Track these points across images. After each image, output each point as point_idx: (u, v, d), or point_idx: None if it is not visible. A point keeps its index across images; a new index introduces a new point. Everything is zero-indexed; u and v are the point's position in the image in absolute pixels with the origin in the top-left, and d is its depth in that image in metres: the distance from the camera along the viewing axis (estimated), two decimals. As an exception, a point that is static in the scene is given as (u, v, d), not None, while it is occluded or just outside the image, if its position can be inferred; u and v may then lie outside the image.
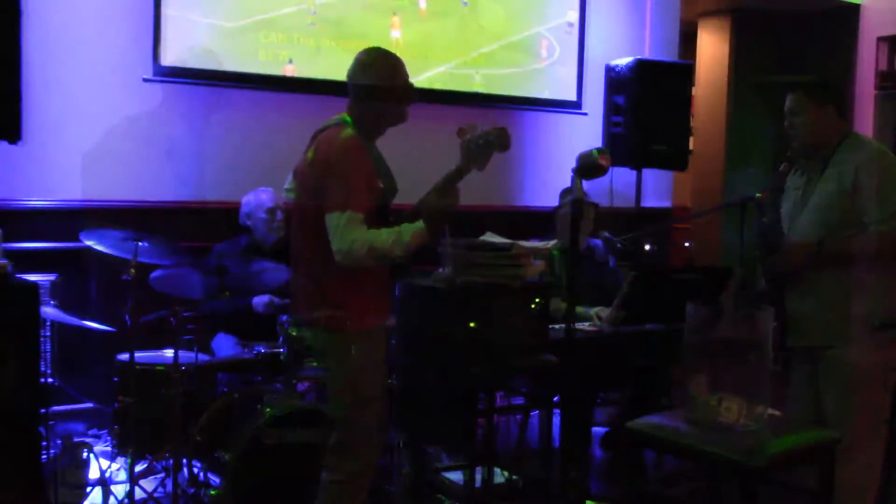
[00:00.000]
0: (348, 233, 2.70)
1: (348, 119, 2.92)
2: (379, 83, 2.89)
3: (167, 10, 4.48)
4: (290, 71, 4.84)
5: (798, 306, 3.23)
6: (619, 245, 4.60)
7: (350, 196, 2.74)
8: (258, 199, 4.28)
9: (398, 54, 3.00)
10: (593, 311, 4.09)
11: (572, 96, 5.81)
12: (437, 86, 5.25)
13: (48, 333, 4.13)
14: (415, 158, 4.54)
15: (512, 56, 5.57)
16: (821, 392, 3.21)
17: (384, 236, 2.74)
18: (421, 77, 5.08)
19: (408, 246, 2.76)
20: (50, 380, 3.91)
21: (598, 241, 4.58)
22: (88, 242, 3.69)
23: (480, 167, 2.81)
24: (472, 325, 3.10)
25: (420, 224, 2.79)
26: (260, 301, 4.01)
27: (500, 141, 2.76)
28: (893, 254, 3.12)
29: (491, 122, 2.83)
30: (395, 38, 5.08)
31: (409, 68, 2.98)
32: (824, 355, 3.18)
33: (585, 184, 3.89)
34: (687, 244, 7.21)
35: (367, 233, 2.73)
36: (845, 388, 3.14)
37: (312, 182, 2.83)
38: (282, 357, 3.53)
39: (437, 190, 2.82)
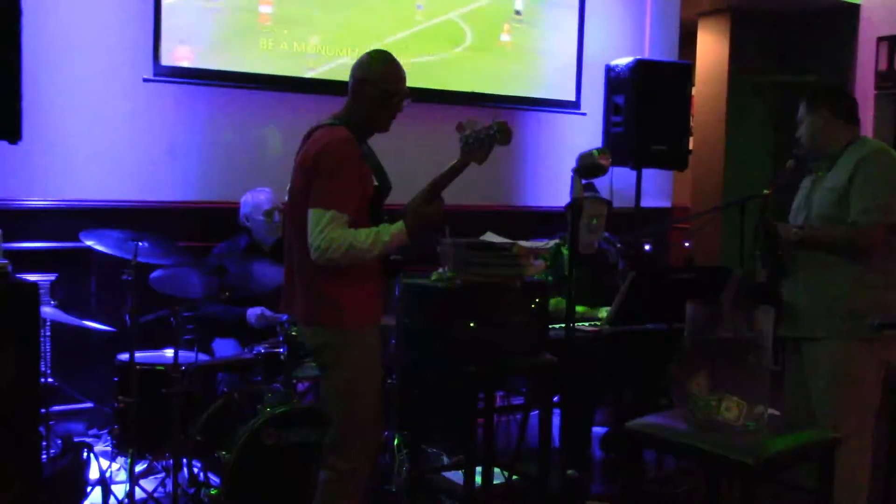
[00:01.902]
0: (329, 231, 2.71)
1: (341, 119, 2.92)
2: (383, 86, 2.90)
3: (167, 11, 4.48)
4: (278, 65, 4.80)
5: (789, 298, 3.30)
6: (617, 244, 4.61)
7: (337, 195, 2.75)
8: (256, 200, 4.27)
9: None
10: (601, 312, 4.09)
11: (571, 96, 5.81)
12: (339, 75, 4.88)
13: (48, 333, 4.13)
14: (411, 157, 4.55)
15: (428, 43, 5.26)
16: (809, 384, 3.27)
17: (363, 236, 2.75)
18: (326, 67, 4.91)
19: (386, 246, 2.78)
20: (50, 380, 3.91)
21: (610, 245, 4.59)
22: (88, 242, 3.69)
23: (480, 161, 2.81)
24: (472, 325, 3.10)
25: (400, 225, 2.80)
26: (253, 313, 4.00)
27: (502, 135, 2.76)
28: (864, 246, 3.17)
29: (488, 121, 2.83)
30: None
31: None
32: (807, 347, 3.26)
33: (594, 182, 3.92)
34: (687, 244, 7.22)
35: (347, 232, 2.73)
36: (828, 380, 3.20)
37: (303, 179, 2.83)
38: (282, 357, 3.54)
39: (423, 194, 2.83)
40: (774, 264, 3.32)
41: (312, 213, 2.75)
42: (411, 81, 3.01)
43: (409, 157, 4.47)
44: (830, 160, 3.27)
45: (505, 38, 5.55)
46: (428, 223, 2.83)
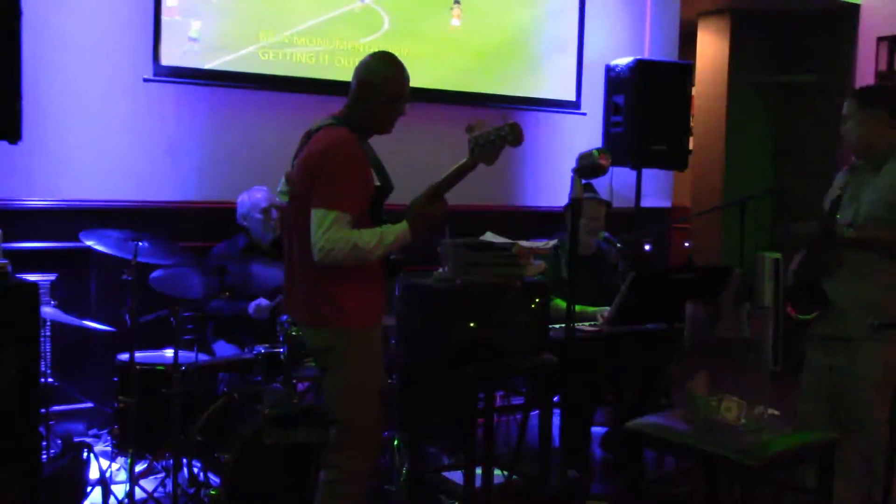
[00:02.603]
0: (332, 232, 2.71)
1: (341, 119, 2.92)
2: (387, 90, 2.89)
3: (167, 10, 4.48)
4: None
5: (831, 297, 3.27)
6: (617, 244, 4.61)
7: (339, 195, 2.75)
8: (252, 199, 4.27)
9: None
10: (596, 310, 4.09)
11: (571, 96, 5.81)
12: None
13: (48, 333, 4.13)
14: (412, 157, 4.54)
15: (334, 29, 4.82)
16: (842, 383, 3.25)
17: (367, 237, 2.75)
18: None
19: (390, 247, 2.79)
20: (50, 380, 3.91)
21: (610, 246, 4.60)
22: (88, 242, 3.69)
23: (489, 163, 2.81)
24: (472, 325, 3.10)
25: (403, 225, 2.80)
26: (252, 305, 4.00)
27: (514, 136, 2.76)
28: None
29: (487, 121, 2.83)
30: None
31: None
32: (848, 346, 3.23)
33: (595, 182, 3.92)
34: (687, 244, 7.22)
35: (351, 233, 2.73)
36: (869, 380, 3.18)
37: (305, 179, 2.83)
38: (282, 357, 3.54)
39: (427, 195, 2.83)
40: (820, 264, 3.30)
41: (315, 214, 2.75)
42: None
43: (404, 156, 4.46)
44: (876, 160, 3.25)
45: (455, 23, 5.34)
46: (432, 224, 2.83)
